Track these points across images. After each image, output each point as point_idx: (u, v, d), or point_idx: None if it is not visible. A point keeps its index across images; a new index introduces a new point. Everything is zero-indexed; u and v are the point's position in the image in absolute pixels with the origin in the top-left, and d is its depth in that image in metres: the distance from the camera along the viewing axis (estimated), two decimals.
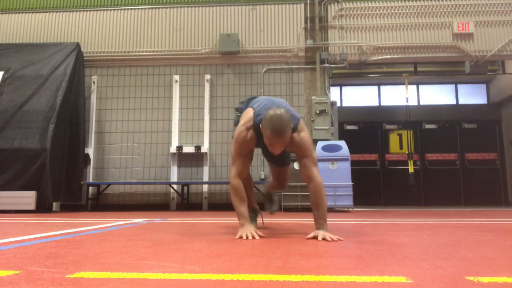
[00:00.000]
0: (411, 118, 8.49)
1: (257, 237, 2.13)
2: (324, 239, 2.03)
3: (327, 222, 2.20)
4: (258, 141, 2.30)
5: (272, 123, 2.05)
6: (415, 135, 8.96)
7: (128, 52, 7.22)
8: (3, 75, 6.57)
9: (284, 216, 4.47)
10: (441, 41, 6.95)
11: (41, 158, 5.76)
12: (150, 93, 7.12)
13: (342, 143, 5.97)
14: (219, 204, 6.71)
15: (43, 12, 7.49)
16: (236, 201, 2.29)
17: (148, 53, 7.19)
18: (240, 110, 2.59)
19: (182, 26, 7.26)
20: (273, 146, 2.12)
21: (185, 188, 6.72)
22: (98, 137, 7.01)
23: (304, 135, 2.27)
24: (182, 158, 6.89)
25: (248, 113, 2.33)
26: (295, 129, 2.24)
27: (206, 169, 6.80)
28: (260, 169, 6.76)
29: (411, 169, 7.80)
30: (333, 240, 2.01)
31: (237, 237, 2.16)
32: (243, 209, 2.28)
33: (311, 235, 2.12)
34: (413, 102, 9.19)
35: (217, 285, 1.02)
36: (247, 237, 2.12)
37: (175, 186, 6.72)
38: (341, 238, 2.07)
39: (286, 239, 2.08)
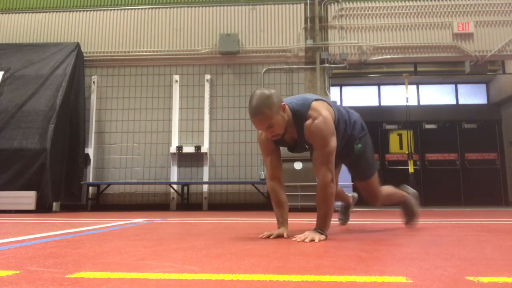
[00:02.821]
0: (411, 118, 8.49)
1: (273, 236, 2.10)
2: (303, 240, 1.92)
3: (328, 223, 2.06)
4: (278, 139, 2.16)
5: (249, 103, 1.98)
6: (415, 135, 8.96)
7: (128, 52, 7.22)
8: (3, 75, 6.57)
9: None
10: (441, 41, 6.95)
11: (41, 158, 5.76)
12: (150, 93, 7.12)
13: None
14: (219, 204, 6.71)
15: (43, 12, 7.50)
16: (273, 204, 2.25)
17: (148, 53, 7.19)
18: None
19: (182, 26, 7.26)
20: (257, 129, 2.05)
21: (185, 188, 6.72)
22: (98, 137, 7.01)
23: (318, 122, 2.01)
24: (182, 158, 6.89)
25: None
26: (302, 116, 2.06)
27: (206, 169, 6.80)
28: (260, 169, 6.76)
29: (411, 169, 7.80)
30: (320, 240, 1.93)
31: (261, 235, 2.15)
32: (278, 213, 2.23)
33: (300, 236, 2.00)
34: (413, 102, 9.18)
35: (217, 285, 1.02)
36: (268, 237, 2.09)
37: (175, 186, 6.72)
38: (316, 240, 1.93)
39: (286, 239, 2.08)
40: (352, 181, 2.59)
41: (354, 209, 4.21)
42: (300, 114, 2.06)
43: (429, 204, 8.56)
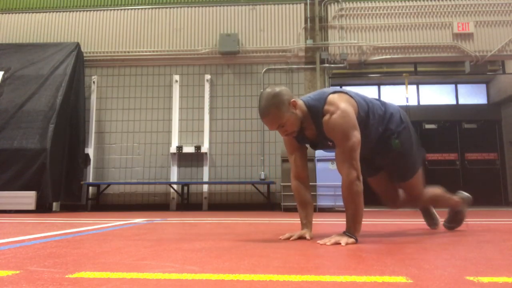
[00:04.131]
0: (411, 118, 8.44)
1: (294, 237, 2.02)
2: (336, 243, 1.80)
3: (358, 225, 1.88)
4: (298, 135, 2.06)
5: (258, 104, 1.92)
6: None
7: (128, 52, 7.22)
8: (3, 75, 6.57)
9: (283, 216, 4.46)
10: (441, 41, 6.95)
11: (41, 158, 5.76)
12: (150, 93, 7.12)
13: None
14: (219, 204, 6.71)
15: (43, 12, 7.50)
16: (297, 204, 2.17)
17: (148, 53, 7.19)
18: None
19: (182, 26, 7.26)
20: (269, 129, 1.99)
21: (185, 188, 6.72)
22: (98, 137, 7.01)
23: (336, 117, 1.87)
24: (182, 158, 6.89)
25: None
26: (318, 111, 1.93)
27: (206, 169, 6.80)
28: (260, 169, 6.76)
29: None
30: (348, 244, 1.80)
31: (284, 237, 2.06)
32: (302, 214, 2.13)
33: (326, 239, 1.87)
34: (413, 102, 9.18)
35: (217, 285, 1.02)
36: (288, 238, 2.02)
37: (175, 186, 6.72)
38: (342, 244, 1.80)
39: (286, 239, 2.08)
40: (392, 181, 2.34)
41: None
42: (316, 110, 1.94)
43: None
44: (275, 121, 1.89)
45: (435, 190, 2.39)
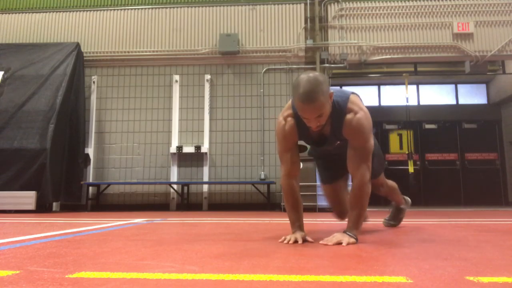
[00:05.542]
0: (411, 118, 8.48)
1: (300, 241, 1.88)
2: (338, 243, 1.80)
3: (360, 225, 1.92)
4: (300, 131, 1.98)
5: (298, 87, 1.73)
6: (415, 135, 8.96)
7: (128, 52, 7.22)
8: (3, 75, 6.57)
9: (283, 216, 4.47)
10: (441, 41, 6.95)
11: (41, 158, 5.76)
12: (150, 93, 7.12)
13: None
14: (219, 204, 6.71)
15: (43, 12, 7.50)
16: (287, 206, 2.04)
17: (148, 53, 7.19)
18: None
19: (182, 26, 7.26)
20: (306, 117, 1.77)
21: (185, 188, 6.72)
22: (98, 137, 7.01)
23: (360, 117, 1.87)
24: (182, 158, 6.89)
25: (287, 104, 2.04)
26: (341, 108, 1.89)
27: (206, 169, 6.80)
28: (260, 169, 6.76)
29: (411, 169, 7.79)
30: (349, 243, 1.80)
31: (280, 240, 1.97)
32: (294, 216, 2.00)
33: (328, 238, 1.86)
34: (413, 102, 9.18)
35: (217, 285, 1.02)
36: (288, 241, 1.91)
37: (175, 186, 6.72)
38: (344, 244, 1.80)
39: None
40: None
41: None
42: (339, 106, 1.89)
43: (429, 204, 8.57)
44: (319, 109, 1.74)
45: (393, 184, 2.68)
